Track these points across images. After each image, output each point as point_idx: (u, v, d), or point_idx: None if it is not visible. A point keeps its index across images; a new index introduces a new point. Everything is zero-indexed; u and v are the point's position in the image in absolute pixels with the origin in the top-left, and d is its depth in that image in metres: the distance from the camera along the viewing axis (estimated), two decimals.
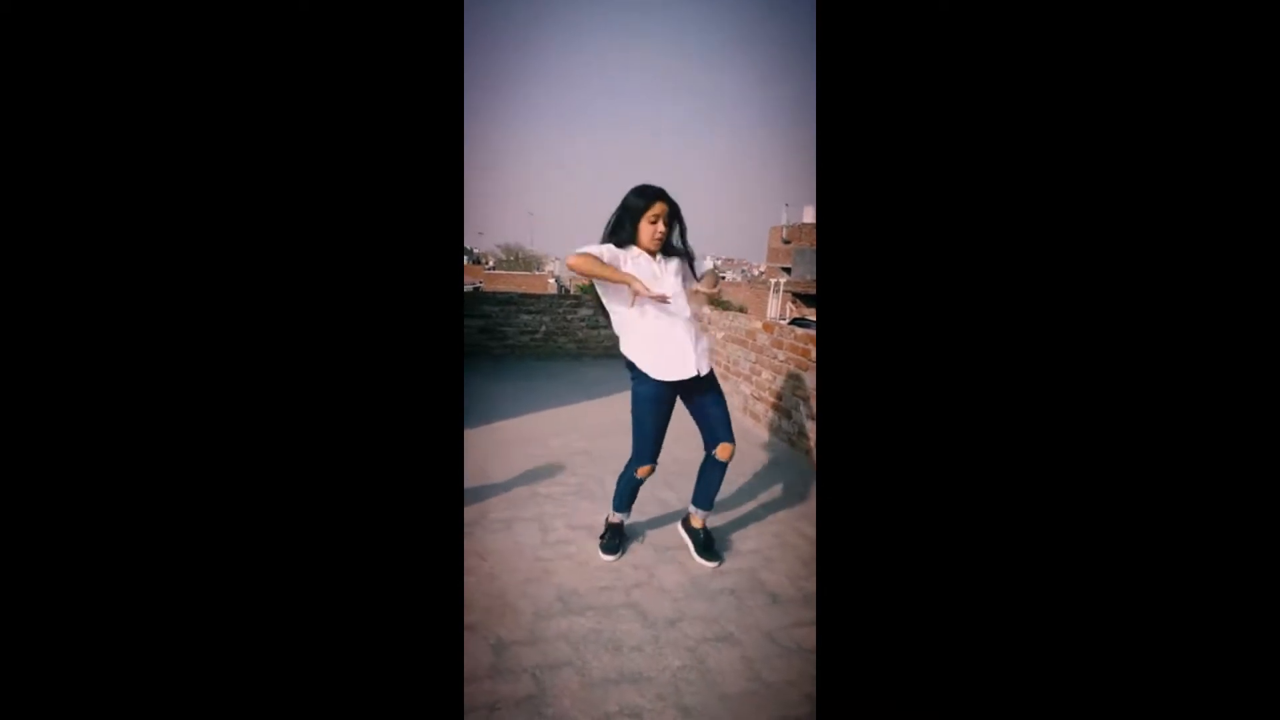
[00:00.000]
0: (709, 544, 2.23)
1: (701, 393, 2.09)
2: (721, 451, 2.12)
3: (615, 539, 2.25)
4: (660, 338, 1.98)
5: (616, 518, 2.26)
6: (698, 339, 2.03)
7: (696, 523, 2.26)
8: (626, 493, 2.20)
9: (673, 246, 2.00)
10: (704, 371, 2.04)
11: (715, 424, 2.11)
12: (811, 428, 3.46)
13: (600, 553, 2.21)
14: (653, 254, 1.97)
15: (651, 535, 2.42)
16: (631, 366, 2.03)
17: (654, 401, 2.02)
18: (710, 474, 2.19)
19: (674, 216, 1.94)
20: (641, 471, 2.12)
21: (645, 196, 1.90)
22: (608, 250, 1.89)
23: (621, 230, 1.94)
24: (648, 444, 2.07)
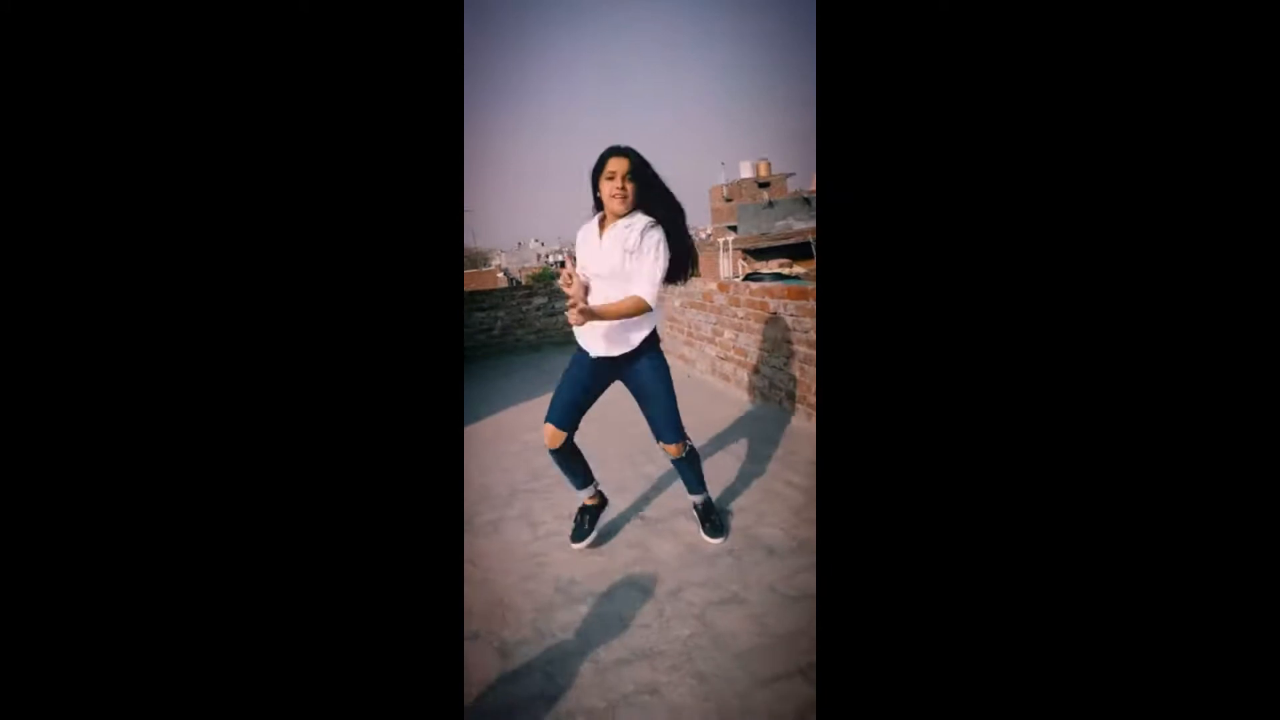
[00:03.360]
0: (708, 518, 2.16)
1: (639, 384, 1.99)
2: (669, 451, 2.06)
3: (582, 524, 2.15)
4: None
5: (584, 497, 2.17)
6: (622, 321, 1.86)
7: (697, 500, 2.19)
8: (562, 469, 2.10)
9: (648, 206, 1.85)
10: (614, 353, 1.92)
11: (657, 424, 2.03)
12: (780, 378, 3.48)
13: (570, 541, 2.14)
14: (617, 216, 1.84)
15: (641, 510, 2.41)
16: None
17: (574, 364, 2.00)
18: (681, 469, 2.13)
19: (638, 173, 1.80)
20: (548, 435, 2.00)
21: (600, 155, 1.82)
22: (573, 247, 1.89)
23: (595, 198, 1.88)
24: (555, 403, 1.99)
